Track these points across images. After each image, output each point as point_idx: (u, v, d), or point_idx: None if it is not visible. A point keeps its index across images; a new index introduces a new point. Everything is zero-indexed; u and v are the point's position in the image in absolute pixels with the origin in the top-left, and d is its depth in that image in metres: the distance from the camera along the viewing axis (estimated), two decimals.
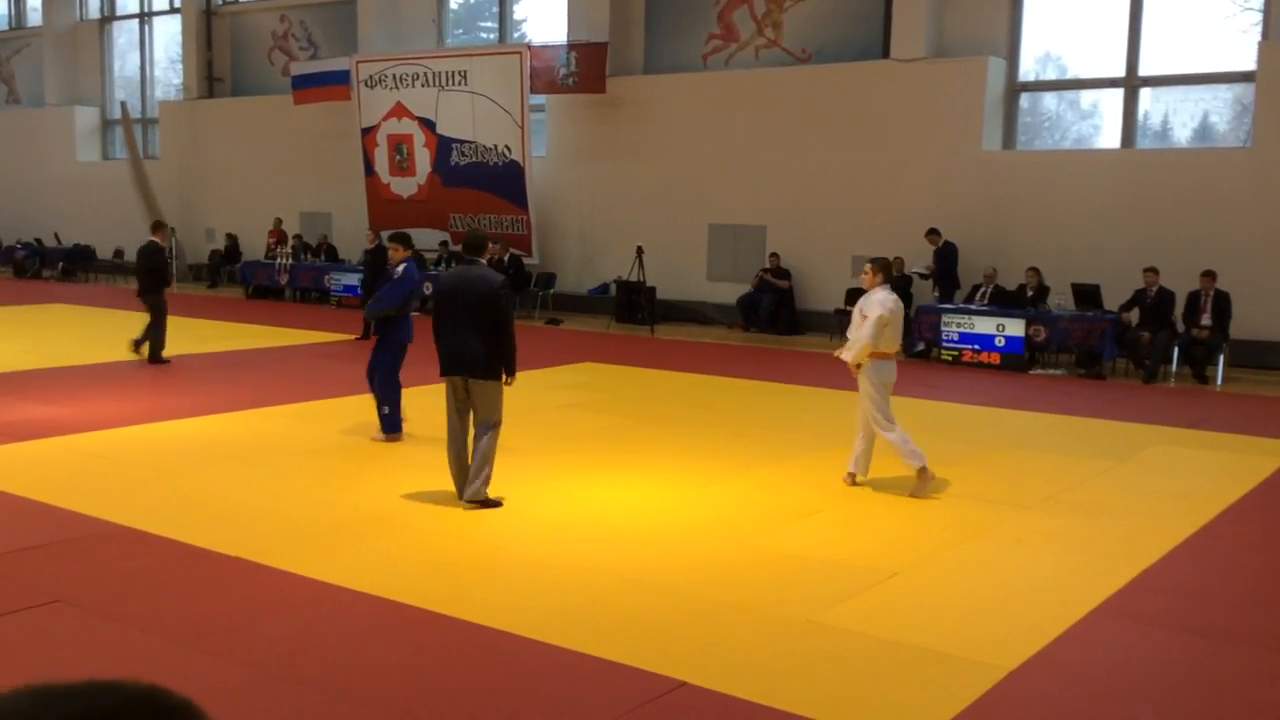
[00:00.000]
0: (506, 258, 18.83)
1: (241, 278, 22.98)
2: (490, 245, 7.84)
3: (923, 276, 16.03)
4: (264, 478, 8.02)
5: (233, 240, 24.67)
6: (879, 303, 7.78)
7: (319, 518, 7.02)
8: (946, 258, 15.87)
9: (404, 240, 9.48)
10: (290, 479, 8.00)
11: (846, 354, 7.89)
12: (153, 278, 13.33)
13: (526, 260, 19.88)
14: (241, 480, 7.94)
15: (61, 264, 26.41)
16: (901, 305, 8.11)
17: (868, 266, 8.06)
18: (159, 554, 6.27)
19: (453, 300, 7.32)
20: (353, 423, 9.97)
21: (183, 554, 6.26)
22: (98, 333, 16.24)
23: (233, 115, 25.64)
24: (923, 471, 7.76)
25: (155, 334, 13.18)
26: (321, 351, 14.87)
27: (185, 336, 14.60)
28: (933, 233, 16.04)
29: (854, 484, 8.03)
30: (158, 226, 14.23)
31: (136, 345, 13.25)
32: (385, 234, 13.11)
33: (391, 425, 9.41)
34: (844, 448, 9.33)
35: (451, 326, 7.30)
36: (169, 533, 6.57)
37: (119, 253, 26.57)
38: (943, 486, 8.05)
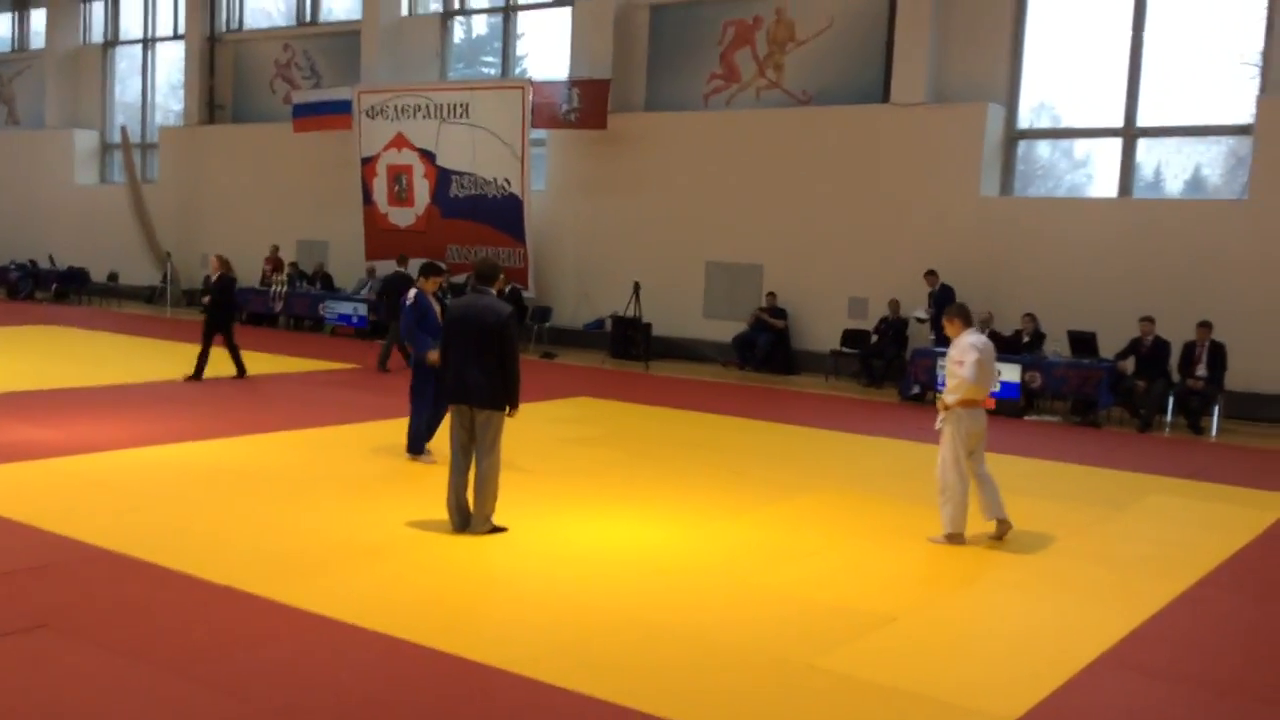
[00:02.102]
0: (508, 289, 18.84)
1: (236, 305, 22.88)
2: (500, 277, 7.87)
3: (920, 320, 16.04)
4: (256, 505, 7.93)
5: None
6: (970, 345, 7.69)
7: (312, 547, 6.94)
8: (943, 303, 15.86)
9: (425, 271, 9.70)
10: (283, 507, 7.91)
11: (949, 397, 7.75)
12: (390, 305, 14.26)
13: (524, 293, 19.88)
14: (233, 507, 7.85)
15: (55, 286, 26.32)
16: (992, 347, 8.03)
17: (945, 317, 8.01)
18: (148, 580, 6.18)
19: (462, 329, 7.32)
20: (346, 451, 9.90)
21: (172, 580, 6.17)
22: (87, 356, 16.15)
23: (232, 142, 25.68)
24: (951, 537, 7.68)
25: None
26: (315, 380, 14.80)
27: (177, 361, 14.53)
28: (930, 274, 16.08)
29: (1007, 531, 7.83)
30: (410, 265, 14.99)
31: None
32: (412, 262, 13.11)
33: (411, 445, 9.47)
34: (840, 489, 9.30)
35: (459, 355, 7.31)
36: (158, 559, 6.48)
37: (113, 276, 26.50)
38: (938, 530, 7.99)
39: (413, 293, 9.58)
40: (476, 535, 7.29)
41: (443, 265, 10.19)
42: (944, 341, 15.55)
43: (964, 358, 7.64)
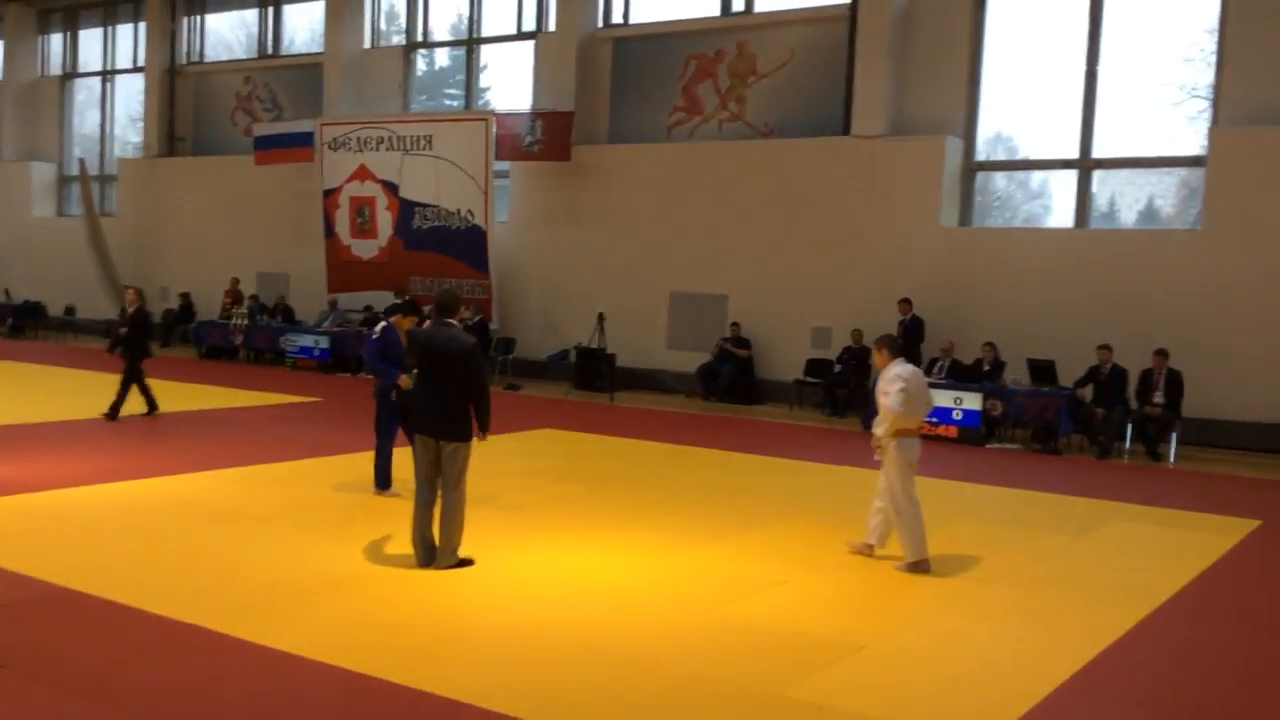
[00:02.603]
0: (474, 320, 18.81)
1: (195, 338, 22.72)
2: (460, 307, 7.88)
3: None
4: (217, 541, 7.83)
5: (186, 300, 24.42)
6: (896, 375, 7.79)
7: (274, 582, 6.86)
8: (912, 332, 16.02)
9: (405, 308, 9.50)
10: (244, 543, 7.82)
11: (878, 428, 7.83)
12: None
13: (488, 325, 19.83)
14: (193, 543, 7.75)
15: (10, 320, 25.97)
16: (922, 376, 8.11)
17: (874, 346, 8.12)
18: (109, 618, 6.07)
19: (426, 361, 7.32)
20: (307, 486, 9.81)
21: (133, 618, 6.07)
22: (41, 390, 15.93)
23: (193, 174, 25.52)
24: (917, 564, 7.71)
25: None
26: (276, 414, 14.67)
27: (135, 396, 14.34)
28: (904, 302, 16.18)
29: (870, 554, 7.97)
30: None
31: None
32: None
33: (378, 480, 9.39)
34: (805, 518, 9.33)
35: (424, 387, 7.31)
36: (118, 596, 6.37)
37: (70, 310, 26.19)
38: (903, 558, 8.05)
39: (381, 325, 9.51)
40: (442, 569, 7.23)
41: (424, 311, 10.00)
42: None
43: (889, 388, 7.74)
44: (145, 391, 13.48)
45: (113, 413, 13.11)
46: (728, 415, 16.46)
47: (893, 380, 7.76)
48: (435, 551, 7.32)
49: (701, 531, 8.72)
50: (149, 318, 13.91)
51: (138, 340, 13.45)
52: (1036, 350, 14.87)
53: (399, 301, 9.75)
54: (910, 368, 7.93)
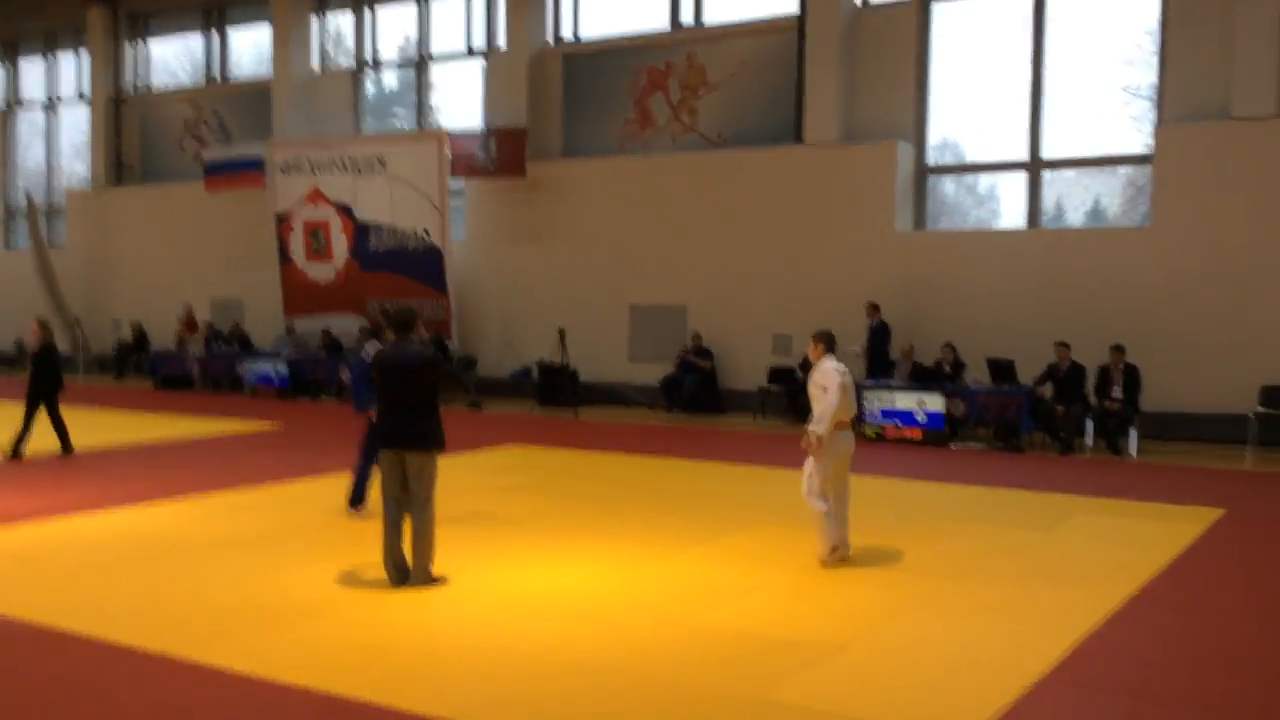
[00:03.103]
0: (431, 338, 18.68)
1: (150, 368, 22.40)
2: (419, 323, 7.83)
3: (857, 355, 16.18)
4: (183, 570, 7.70)
5: (139, 330, 24.08)
6: (834, 369, 7.84)
7: (245, 608, 6.74)
8: (880, 336, 16.10)
9: (395, 325, 9.15)
10: (211, 570, 7.69)
11: (818, 426, 7.84)
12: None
13: (448, 344, 19.73)
14: (159, 573, 7.61)
15: None
16: (849, 373, 8.17)
17: (811, 340, 8.15)
18: (77, 653, 5.94)
19: (389, 376, 7.29)
20: (273, 511, 9.68)
21: (102, 651, 5.94)
22: None
23: (142, 203, 25.21)
24: (832, 551, 7.78)
25: None
26: (237, 441, 14.48)
27: (91, 429, 14.11)
28: (872, 307, 16.21)
29: (845, 556, 7.96)
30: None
31: None
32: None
33: (352, 497, 9.29)
34: (775, 523, 9.32)
35: (388, 402, 7.29)
36: (86, 630, 6.24)
37: (19, 344, 25.69)
38: (877, 558, 8.10)
39: (371, 346, 9.34)
40: (416, 588, 7.16)
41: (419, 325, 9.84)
42: (877, 375, 15.83)
43: (827, 383, 7.78)
44: (58, 429, 12.84)
45: (15, 449, 12.44)
46: (692, 426, 16.47)
47: (830, 374, 7.81)
48: (408, 571, 7.25)
49: (674, 541, 8.69)
50: (54, 352, 13.10)
51: (44, 376, 12.74)
52: (995, 350, 15.00)
53: (392, 318, 9.39)
54: (842, 366, 7.99)
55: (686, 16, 19.27)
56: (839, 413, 7.81)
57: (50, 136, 28.21)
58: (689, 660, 5.92)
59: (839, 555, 7.91)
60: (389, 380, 7.31)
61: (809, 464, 7.92)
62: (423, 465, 7.23)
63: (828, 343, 8.07)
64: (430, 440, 7.23)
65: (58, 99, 27.89)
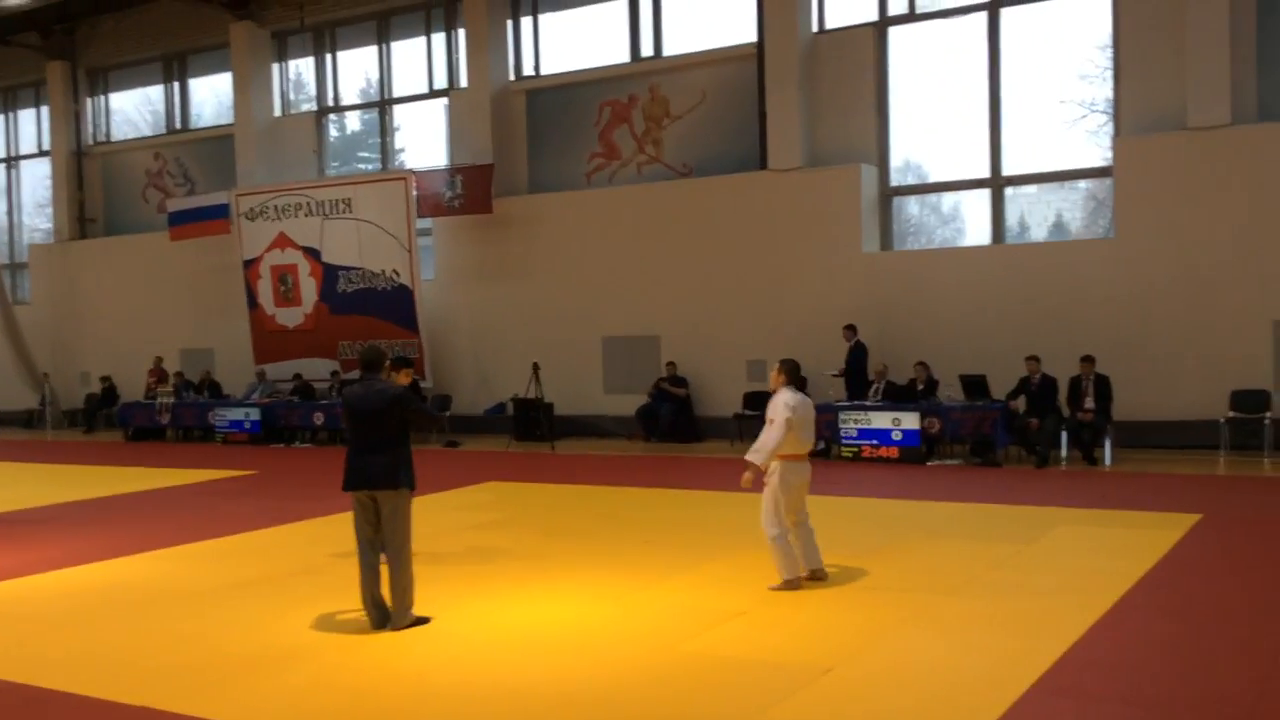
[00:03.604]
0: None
1: (120, 420, 22.18)
2: (387, 363, 7.70)
3: (835, 376, 16.23)
4: (161, 621, 7.59)
5: (108, 383, 23.85)
6: (784, 404, 7.81)
7: (226, 657, 6.64)
8: (858, 358, 16.15)
9: (396, 363, 8.71)
10: (189, 620, 7.58)
11: (754, 456, 7.83)
12: None
13: (421, 384, 19.64)
14: (137, 625, 7.49)
15: None
16: (810, 404, 8.15)
17: (774, 368, 8.12)
18: (59, 709, 5.83)
19: (357, 416, 7.21)
20: (250, 560, 9.57)
21: (84, 707, 5.83)
22: None
23: (107, 255, 25.03)
24: (790, 583, 7.73)
25: None
26: (210, 490, 14.33)
27: (63, 484, 13.93)
28: (849, 329, 16.24)
29: (821, 578, 7.91)
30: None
31: None
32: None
33: None
34: (757, 548, 9.28)
35: (357, 442, 7.20)
36: (66, 685, 6.12)
37: None
38: (861, 577, 8.09)
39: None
40: (398, 630, 7.08)
41: (410, 358, 9.66)
42: (855, 397, 15.86)
43: (775, 416, 7.74)
44: None
45: None
46: (670, 454, 16.45)
47: (780, 409, 7.74)
48: (388, 612, 7.16)
49: (656, 570, 8.65)
50: None
51: None
52: (967, 366, 15.09)
53: (360, 357, 9.15)
54: (800, 396, 7.94)
55: (647, 49, 19.42)
56: (788, 446, 7.74)
57: (11, 192, 28.01)
58: (679, 688, 5.87)
59: (817, 579, 7.85)
60: (356, 420, 7.23)
61: (765, 494, 7.86)
62: (395, 505, 7.12)
63: (790, 373, 8.00)
64: (401, 479, 7.11)
65: (18, 155, 27.72)
